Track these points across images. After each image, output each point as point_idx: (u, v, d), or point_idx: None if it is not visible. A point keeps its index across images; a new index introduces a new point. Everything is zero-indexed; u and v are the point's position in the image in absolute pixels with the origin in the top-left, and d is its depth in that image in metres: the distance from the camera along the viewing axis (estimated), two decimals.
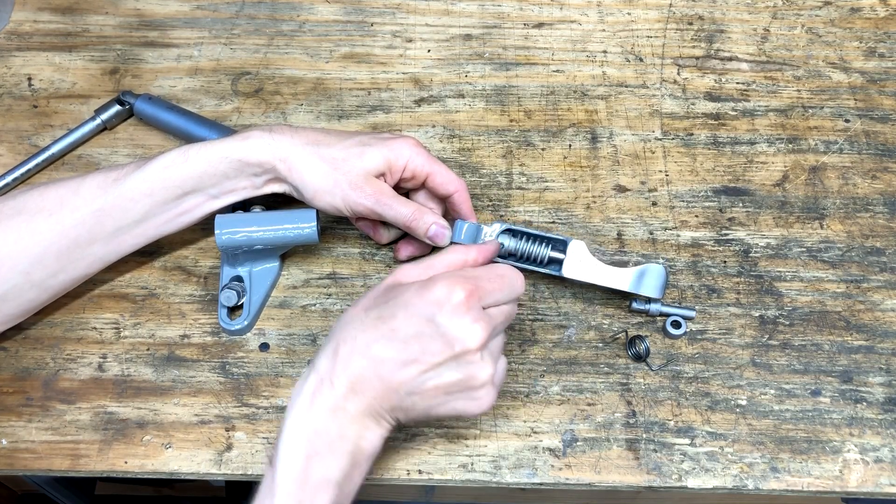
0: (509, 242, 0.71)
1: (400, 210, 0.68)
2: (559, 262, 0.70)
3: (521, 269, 0.72)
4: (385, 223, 0.73)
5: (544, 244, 0.71)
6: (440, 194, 0.72)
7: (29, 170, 0.79)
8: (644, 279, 0.69)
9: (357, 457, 0.56)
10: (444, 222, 0.70)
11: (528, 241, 0.71)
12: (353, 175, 0.67)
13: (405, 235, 0.74)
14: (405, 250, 0.75)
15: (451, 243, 0.71)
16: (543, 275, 0.72)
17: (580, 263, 0.70)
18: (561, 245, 0.70)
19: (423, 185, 0.72)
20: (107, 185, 0.66)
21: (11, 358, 0.71)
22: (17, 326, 0.71)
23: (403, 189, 0.73)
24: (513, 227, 0.71)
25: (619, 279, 0.69)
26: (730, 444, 0.67)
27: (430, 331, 0.56)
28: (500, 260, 0.70)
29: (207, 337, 0.72)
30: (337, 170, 0.67)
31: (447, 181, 0.71)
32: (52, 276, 0.67)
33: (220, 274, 0.74)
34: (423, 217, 0.69)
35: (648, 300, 0.71)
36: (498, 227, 0.71)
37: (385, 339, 0.56)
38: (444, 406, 0.57)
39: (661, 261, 0.75)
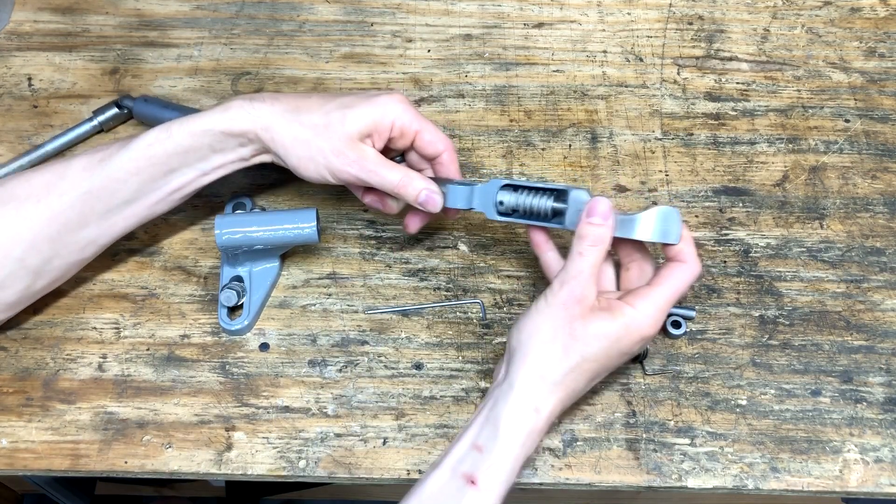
0: (509, 199, 0.66)
1: (386, 176, 0.65)
2: (563, 214, 0.64)
3: (525, 226, 0.68)
4: None
5: (546, 196, 0.66)
6: (428, 154, 0.69)
7: (21, 165, 0.79)
8: (657, 226, 0.62)
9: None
10: (435, 187, 0.67)
11: (528, 194, 0.66)
12: (334, 141, 0.64)
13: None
14: (414, 223, 0.71)
15: (445, 209, 0.68)
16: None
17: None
18: (563, 196, 0.65)
19: (411, 146, 0.69)
20: (92, 166, 0.66)
21: (11, 358, 0.71)
22: (17, 326, 0.71)
23: (393, 149, 0.70)
24: (512, 181, 0.66)
25: (628, 229, 0.63)
26: (730, 444, 0.67)
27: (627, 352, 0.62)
28: (520, 221, 0.67)
29: (207, 337, 0.72)
30: (318, 136, 0.64)
31: (436, 140, 0.68)
32: (48, 262, 0.67)
33: (220, 274, 0.74)
34: (412, 182, 0.65)
35: None
36: (496, 182, 0.67)
37: (585, 380, 0.62)
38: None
39: (671, 206, 0.67)
